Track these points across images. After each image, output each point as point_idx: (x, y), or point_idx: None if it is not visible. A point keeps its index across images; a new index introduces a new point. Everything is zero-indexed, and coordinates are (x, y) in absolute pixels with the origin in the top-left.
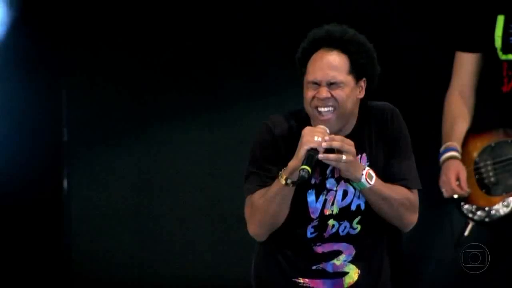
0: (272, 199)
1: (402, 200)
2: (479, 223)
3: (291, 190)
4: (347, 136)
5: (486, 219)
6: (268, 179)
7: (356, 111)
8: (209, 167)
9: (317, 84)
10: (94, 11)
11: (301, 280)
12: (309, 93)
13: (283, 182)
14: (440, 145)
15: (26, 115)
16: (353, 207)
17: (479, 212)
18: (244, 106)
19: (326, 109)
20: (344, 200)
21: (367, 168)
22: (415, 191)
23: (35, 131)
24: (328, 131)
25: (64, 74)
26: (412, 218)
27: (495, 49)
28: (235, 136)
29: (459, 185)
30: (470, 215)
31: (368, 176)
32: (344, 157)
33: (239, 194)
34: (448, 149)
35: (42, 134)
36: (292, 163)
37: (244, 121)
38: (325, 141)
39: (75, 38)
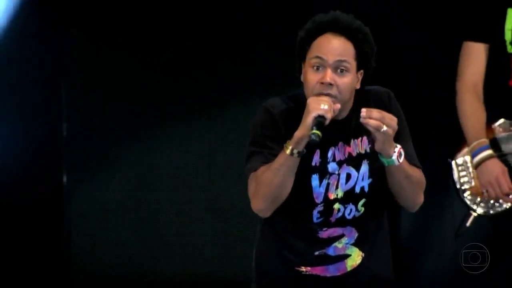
0: (277, 171)
1: (419, 179)
2: (481, 215)
3: (296, 161)
4: (344, 120)
5: (489, 212)
6: (271, 156)
7: (351, 99)
8: (208, 164)
9: (322, 61)
10: (94, 10)
11: (303, 269)
12: (312, 76)
13: (288, 152)
14: (440, 144)
15: (25, 112)
16: (357, 190)
17: (482, 204)
18: (243, 106)
19: (326, 93)
20: (348, 183)
21: (398, 146)
22: (421, 171)
23: (35, 128)
24: (336, 105)
25: (63, 71)
26: (422, 198)
27: (504, 42)
28: (234, 135)
29: (509, 186)
30: (473, 207)
31: (399, 154)
32: (384, 127)
33: (238, 190)
34: (482, 148)
35: (42, 130)
36: (299, 133)
37: (243, 120)
38: (363, 113)
39: (75, 36)
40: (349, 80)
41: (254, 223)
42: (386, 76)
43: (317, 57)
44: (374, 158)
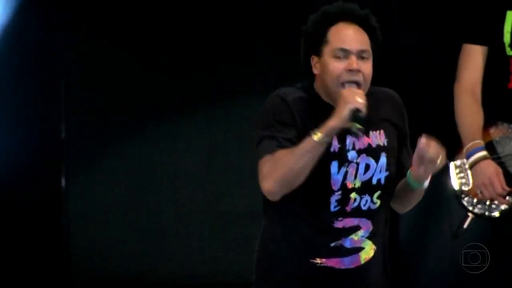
0: (301, 156)
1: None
2: (478, 217)
3: (322, 150)
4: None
5: (486, 213)
6: (285, 142)
7: None
8: (208, 165)
9: (346, 52)
10: (93, 10)
11: (318, 261)
12: (336, 65)
13: (318, 139)
14: (438, 143)
15: (24, 113)
16: (374, 181)
17: (479, 205)
18: (243, 106)
19: (353, 80)
20: (366, 174)
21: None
22: None
23: (34, 129)
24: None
25: (62, 72)
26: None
27: (503, 44)
28: (234, 136)
29: (502, 187)
30: (470, 208)
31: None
32: (439, 160)
33: (238, 191)
34: (476, 149)
35: (41, 132)
36: (332, 123)
37: (243, 120)
38: (423, 140)
39: (74, 36)
40: (370, 67)
41: (254, 225)
42: (386, 76)
43: (341, 49)
44: (391, 152)
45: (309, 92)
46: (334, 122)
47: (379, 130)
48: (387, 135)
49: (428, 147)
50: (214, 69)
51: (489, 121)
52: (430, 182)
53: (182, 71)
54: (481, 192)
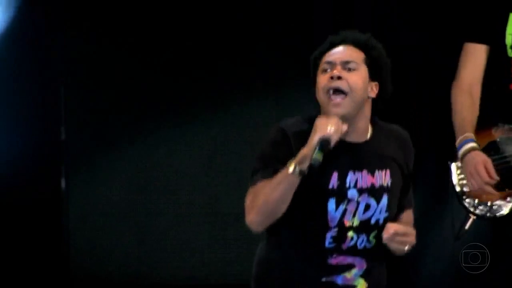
0: (276, 186)
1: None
2: (480, 218)
3: (296, 180)
4: (363, 145)
5: (488, 214)
6: (274, 175)
7: (368, 113)
8: (207, 166)
9: (330, 64)
10: (93, 10)
11: None
12: (321, 78)
13: (291, 169)
14: (440, 143)
15: (24, 114)
16: (372, 221)
17: (480, 207)
18: (243, 107)
19: (336, 87)
20: (366, 213)
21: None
22: (412, 210)
23: (33, 130)
24: (343, 126)
25: (62, 73)
26: None
27: (505, 46)
28: (233, 136)
29: (489, 175)
30: (472, 209)
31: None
32: (406, 248)
33: (237, 193)
34: (466, 141)
35: (40, 133)
36: (303, 151)
37: (242, 121)
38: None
39: (74, 37)
40: (358, 78)
41: None
42: None
43: (326, 62)
44: (393, 192)
45: (313, 121)
46: (305, 150)
47: (385, 170)
48: (392, 175)
49: (391, 242)
50: (214, 69)
51: (491, 122)
52: (431, 182)
53: (182, 71)
54: (471, 183)
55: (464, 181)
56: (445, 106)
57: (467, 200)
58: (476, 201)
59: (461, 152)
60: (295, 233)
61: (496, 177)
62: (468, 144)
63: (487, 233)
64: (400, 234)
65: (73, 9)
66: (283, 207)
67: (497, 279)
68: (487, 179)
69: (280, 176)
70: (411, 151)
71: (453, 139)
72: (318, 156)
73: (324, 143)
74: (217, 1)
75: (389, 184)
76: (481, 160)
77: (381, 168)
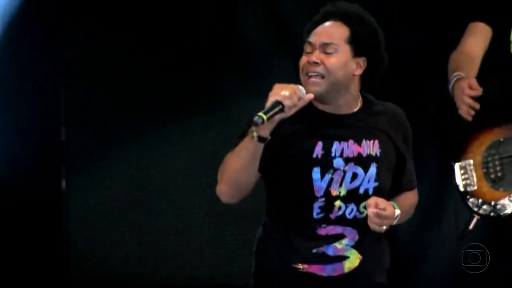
0: (238, 154)
1: (412, 209)
2: (484, 217)
3: (256, 146)
4: (351, 116)
5: (491, 214)
6: None
7: (354, 90)
8: (207, 166)
9: (311, 45)
10: (93, 10)
11: (300, 266)
12: (302, 60)
13: (250, 135)
14: (441, 143)
15: (24, 114)
16: (361, 191)
17: (484, 206)
18: (243, 107)
19: (313, 73)
20: (353, 183)
21: (396, 212)
22: (416, 189)
23: (33, 130)
24: (303, 91)
25: (62, 73)
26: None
27: (509, 43)
28: (233, 136)
29: (472, 89)
30: (476, 209)
31: (394, 220)
32: (384, 227)
33: None
34: (454, 76)
35: (40, 134)
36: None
37: (242, 120)
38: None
39: (74, 37)
40: (337, 60)
41: (254, 227)
42: (386, 76)
43: (308, 42)
44: (383, 162)
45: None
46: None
47: (374, 140)
48: (382, 146)
49: (371, 223)
50: (214, 69)
51: (494, 119)
52: (432, 182)
53: (182, 71)
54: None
55: (468, 181)
56: (445, 106)
57: (471, 200)
58: (480, 200)
59: (450, 86)
60: (284, 206)
61: (479, 89)
62: (455, 78)
63: (487, 233)
64: (382, 215)
65: (73, 9)
66: (249, 176)
67: (497, 279)
68: (468, 91)
69: (241, 144)
70: (405, 127)
71: (455, 139)
72: (261, 114)
73: (274, 105)
74: (217, 1)
75: (378, 153)
76: (466, 81)
77: (368, 138)
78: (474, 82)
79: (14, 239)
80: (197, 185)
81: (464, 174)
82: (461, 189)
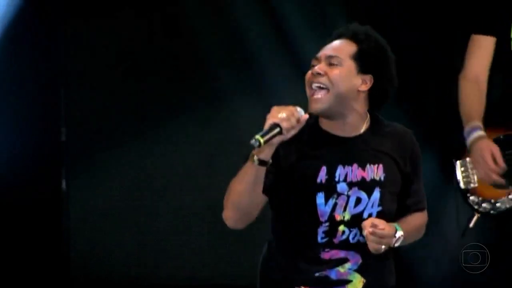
0: (241, 178)
1: (420, 230)
2: (484, 215)
3: (257, 170)
4: (356, 138)
5: (492, 212)
6: None
7: (360, 108)
8: (208, 167)
9: (317, 60)
10: (93, 10)
11: None
12: (308, 74)
13: (251, 159)
14: (440, 145)
15: (24, 114)
16: (365, 215)
17: (484, 204)
18: (242, 106)
19: (317, 84)
20: (357, 207)
21: (398, 234)
22: (425, 210)
23: (34, 131)
24: (301, 112)
25: (62, 73)
26: (422, 235)
27: (510, 40)
28: (233, 136)
29: (496, 164)
30: (476, 207)
31: (397, 241)
32: (382, 247)
33: None
34: (474, 130)
35: (41, 134)
36: None
37: (242, 120)
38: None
39: (74, 37)
40: (340, 72)
41: (254, 227)
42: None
43: (315, 57)
44: (387, 187)
45: (308, 121)
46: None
47: (378, 164)
48: (386, 170)
49: (369, 242)
50: (214, 69)
51: (495, 117)
52: (433, 181)
53: (182, 71)
54: (478, 171)
55: (468, 179)
56: (446, 105)
57: (472, 197)
58: (480, 198)
59: (469, 141)
60: (288, 229)
61: (503, 165)
62: (476, 133)
63: (487, 232)
64: (378, 234)
65: (73, 9)
66: (252, 200)
67: (497, 279)
68: (492, 166)
69: (243, 168)
70: (412, 148)
71: (455, 138)
72: (258, 137)
73: (272, 127)
74: (217, 1)
75: (382, 178)
76: (488, 148)
77: (373, 162)
78: (498, 155)
79: (14, 239)
80: (197, 185)
81: (464, 172)
82: (462, 186)
